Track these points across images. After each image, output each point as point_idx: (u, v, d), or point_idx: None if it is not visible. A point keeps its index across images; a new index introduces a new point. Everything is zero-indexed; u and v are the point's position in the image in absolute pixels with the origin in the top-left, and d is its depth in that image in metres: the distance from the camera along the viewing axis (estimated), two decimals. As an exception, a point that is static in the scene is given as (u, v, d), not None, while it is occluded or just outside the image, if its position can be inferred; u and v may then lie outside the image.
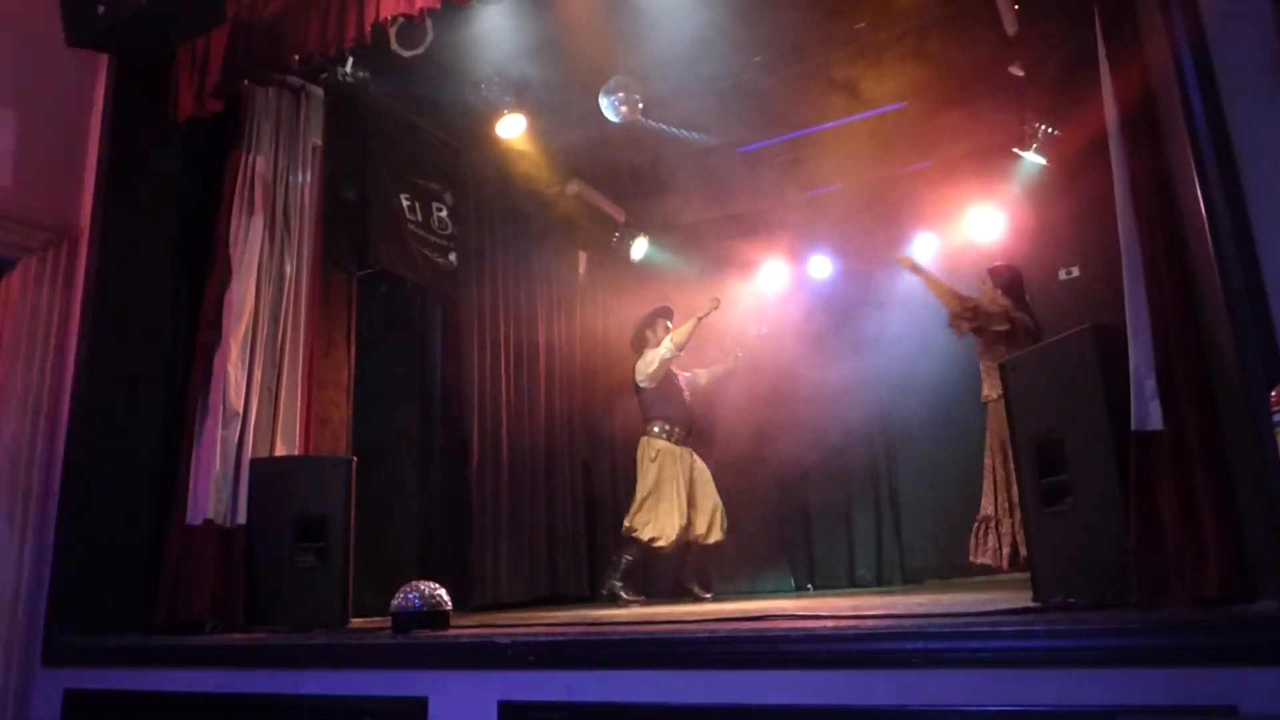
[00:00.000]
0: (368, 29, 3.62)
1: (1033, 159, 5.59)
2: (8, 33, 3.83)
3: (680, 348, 5.73)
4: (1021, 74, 5.07)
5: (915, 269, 5.21)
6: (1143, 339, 2.36)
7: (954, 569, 6.34)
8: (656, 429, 5.75)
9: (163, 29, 4.01)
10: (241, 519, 3.77)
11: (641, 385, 5.79)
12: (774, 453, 6.82)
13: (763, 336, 6.70)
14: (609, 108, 5.05)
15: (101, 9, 3.72)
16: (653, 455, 5.66)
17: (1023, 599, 2.78)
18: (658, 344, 5.83)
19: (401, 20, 3.94)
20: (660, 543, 5.49)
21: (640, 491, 5.60)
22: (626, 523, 5.59)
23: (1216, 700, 1.67)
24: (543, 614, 4.50)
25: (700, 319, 5.74)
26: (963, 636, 1.98)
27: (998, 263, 5.20)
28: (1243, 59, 2.27)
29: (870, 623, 2.24)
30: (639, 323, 6.05)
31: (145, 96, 4.06)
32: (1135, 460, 2.30)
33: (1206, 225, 2.23)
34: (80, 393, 3.75)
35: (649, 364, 5.77)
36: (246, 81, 4.16)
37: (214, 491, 3.73)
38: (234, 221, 4.07)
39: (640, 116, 5.22)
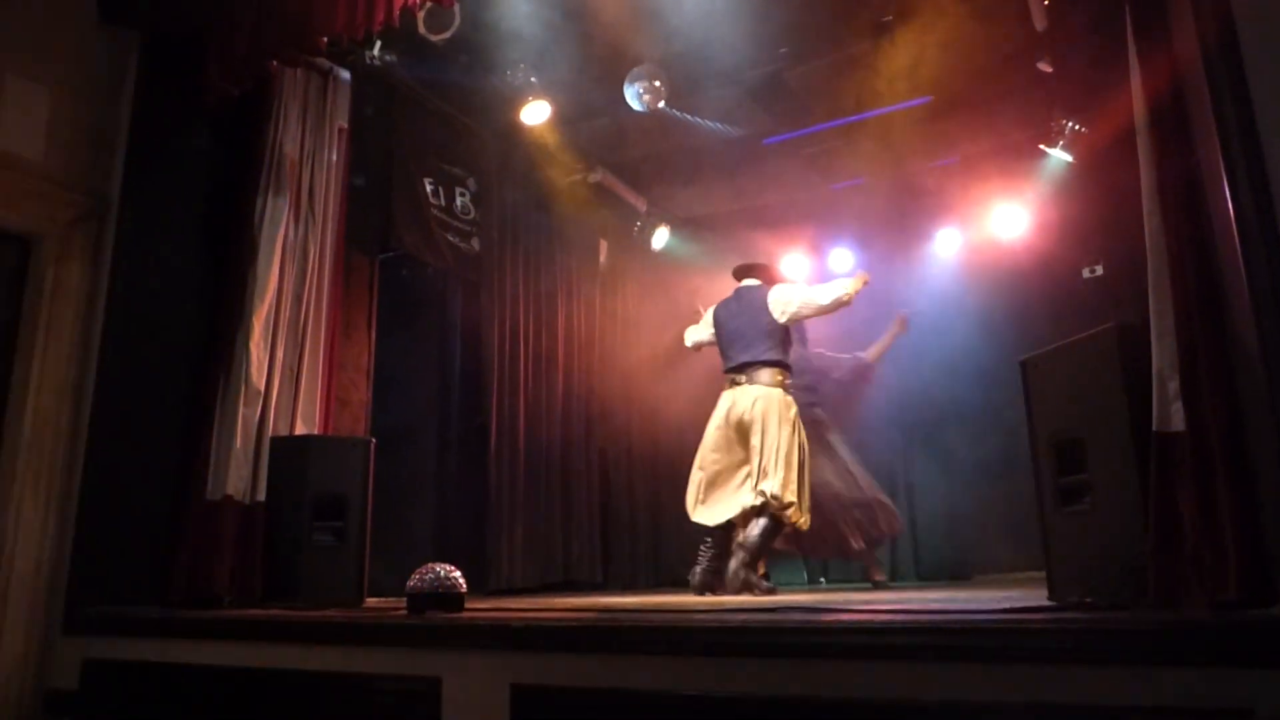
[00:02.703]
0: (396, 13, 3.64)
1: (1059, 156, 5.54)
2: (42, 9, 3.87)
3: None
4: (1049, 70, 5.02)
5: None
6: (1167, 340, 2.34)
7: (969, 567, 6.33)
8: (789, 384, 4.62)
9: (194, 7, 4.04)
10: (261, 496, 3.82)
11: (780, 319, 4.59)
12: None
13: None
14: (633, 96, 5.05)
15: (134, -14, 3.76)
16: (794, 415, 4.52)
17: (1038, 598, 2.77)
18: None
19: (430, 5, 3.96)
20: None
21: (785, 454, 4.39)
22: (775, 490, 4.32)
23: (1232, 703, 1.66)
24: (556, 600, 4.52)
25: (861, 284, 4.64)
26: (977, 632, 1.98)
27: None
28: (1274, 56, 2.24)
29: (884, 617, 2.24)
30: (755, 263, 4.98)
31: (175, 75, 4.09)
32: (1156, 461, 2.28)
33: (1234, 226, 2.21)
34: (105, 367, 3.80)
35: (827, 294, 4.55)
36: (275, 62, 4.18)
37: (234, 468, 3.78)
38: (260, 201, 4.11)
39: (664, 106, 5.21)
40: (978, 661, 1.91)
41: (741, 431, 4.49)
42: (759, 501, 4.35)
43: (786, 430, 4.42)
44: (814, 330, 5.96)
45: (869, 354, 5.99)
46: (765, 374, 4.51)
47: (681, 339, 5.17)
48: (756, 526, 4.34)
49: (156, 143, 4.05)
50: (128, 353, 3.84)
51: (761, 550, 4.37)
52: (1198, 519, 2.16)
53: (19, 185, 3.70)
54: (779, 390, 4.50)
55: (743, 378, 4.54)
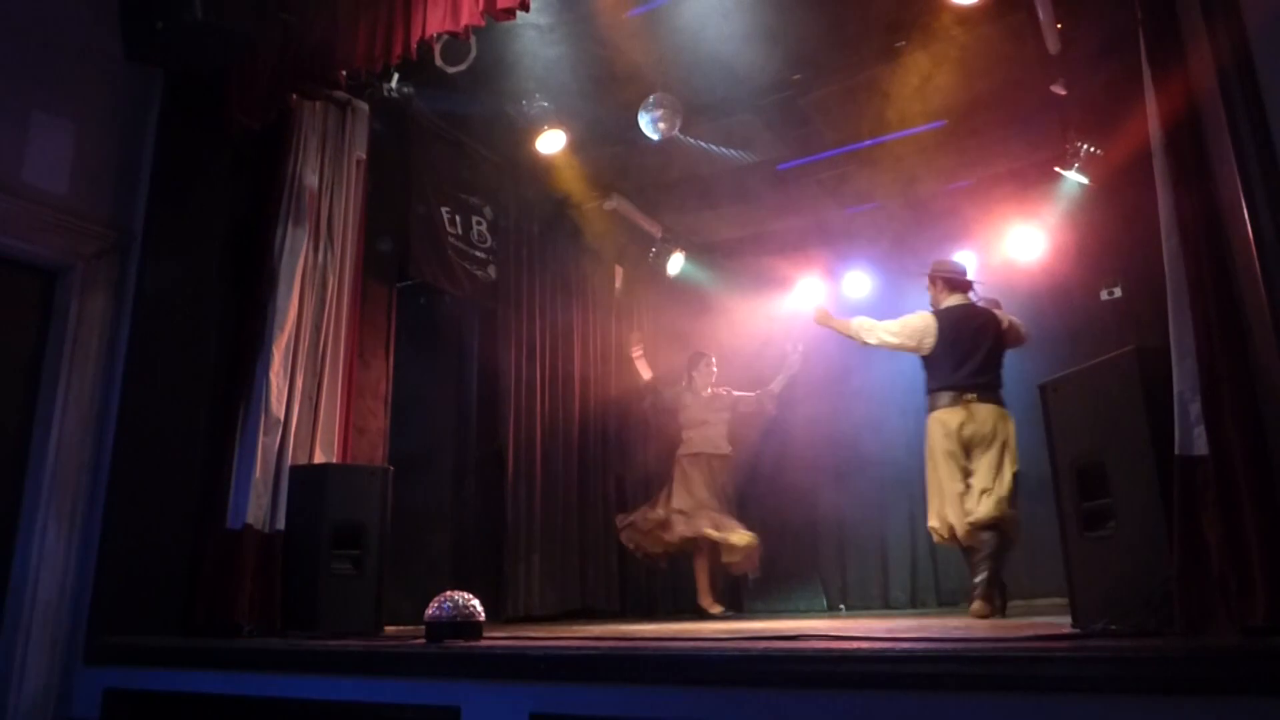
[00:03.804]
0: (413, 45, 3.70)
1: (1074, 178, 5.53)
2: (69, 49, 3.95)
3: None
4: (1064, 92, 5.03)
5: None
6: (1188, 362, 2.32)
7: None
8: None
9: (216, 44, 4.09)
10: (280, 525, 3.84)
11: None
12: (809, 472, 6.79)
13: (798, 354, 6.64)
14: (648, 124, 5.09)
15: (159, 25, 3.83)
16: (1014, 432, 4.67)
17: (1061, 625, 2.73)
18: None
19: (446, 37, 4.01)
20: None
21: (1011, 471, 4.54)
22: (1006, 498, 4.43)
23: (1263, 733, 1.63)
24: (575, 627, 4.50)
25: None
26: (1000, 662, 1.95)
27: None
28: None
29: (905, 645, 2.22)
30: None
31: (197, 109, 4.16)
32: (1179, 485, 2.26)
33: (1253, 247, 2.20)
34: (127, 397, 3.83)
35: (1025, 331, 4.87)
36: (295, 95, 4.25)
37: (254, 497, 3.80)
38: (280, 232, 4.16)
39: (679, 133, 5.25)
40: (1001, 691, 1.88)
41: (968, 447, 4.57)
42: (995, 515, 4.38)
43: (1013, 449, 4.53)
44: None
45: (773, 387, 6.23)
46: (995, 395, 4.65)
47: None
48: (992, 541, 4.37)
49: (179, 176, 4.11)
50: (150, 383, 3.87)
51: (1003, 563, 4.45)
52: (1223, 544, 2.14)
53: (44, 219, 3.77)
54: (1007, 412, 4.63)
55: (972, 395, 4.61)
